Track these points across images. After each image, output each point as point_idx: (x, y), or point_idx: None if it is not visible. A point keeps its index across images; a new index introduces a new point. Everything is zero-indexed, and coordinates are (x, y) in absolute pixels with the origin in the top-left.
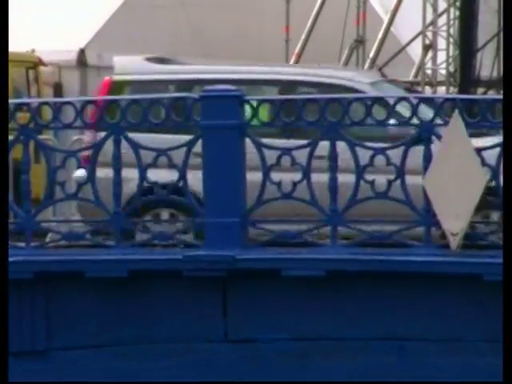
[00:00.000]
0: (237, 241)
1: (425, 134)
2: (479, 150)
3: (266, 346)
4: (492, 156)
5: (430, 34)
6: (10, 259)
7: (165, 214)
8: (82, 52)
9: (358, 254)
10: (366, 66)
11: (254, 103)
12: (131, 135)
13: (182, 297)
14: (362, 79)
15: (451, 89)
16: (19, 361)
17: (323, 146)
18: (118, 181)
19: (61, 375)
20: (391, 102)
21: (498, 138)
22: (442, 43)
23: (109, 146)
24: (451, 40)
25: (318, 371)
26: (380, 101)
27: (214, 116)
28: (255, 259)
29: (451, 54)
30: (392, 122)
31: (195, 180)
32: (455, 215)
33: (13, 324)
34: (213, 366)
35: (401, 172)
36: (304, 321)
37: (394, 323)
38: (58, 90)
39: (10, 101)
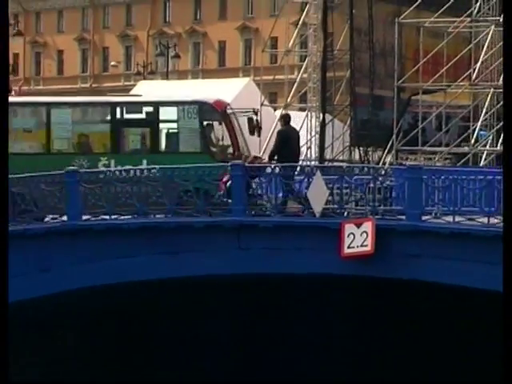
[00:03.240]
0: (243, 214)
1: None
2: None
3: (256, 250)
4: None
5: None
6: (160, 220)
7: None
8: None
9: (287, 219)
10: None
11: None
12: None
13: (221, 236)
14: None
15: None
16: (159, 257)
17: None
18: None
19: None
20: None
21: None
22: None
23: None
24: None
25: (278, 258)
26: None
27: (235, 170)
28: (250, 220)
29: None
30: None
31: None
32: (317, 204)
33: (160, 241)
34: (232, 255)
35: (299, 190)
36: (270, 241)
37: (296, 241)
38: None
39: None
